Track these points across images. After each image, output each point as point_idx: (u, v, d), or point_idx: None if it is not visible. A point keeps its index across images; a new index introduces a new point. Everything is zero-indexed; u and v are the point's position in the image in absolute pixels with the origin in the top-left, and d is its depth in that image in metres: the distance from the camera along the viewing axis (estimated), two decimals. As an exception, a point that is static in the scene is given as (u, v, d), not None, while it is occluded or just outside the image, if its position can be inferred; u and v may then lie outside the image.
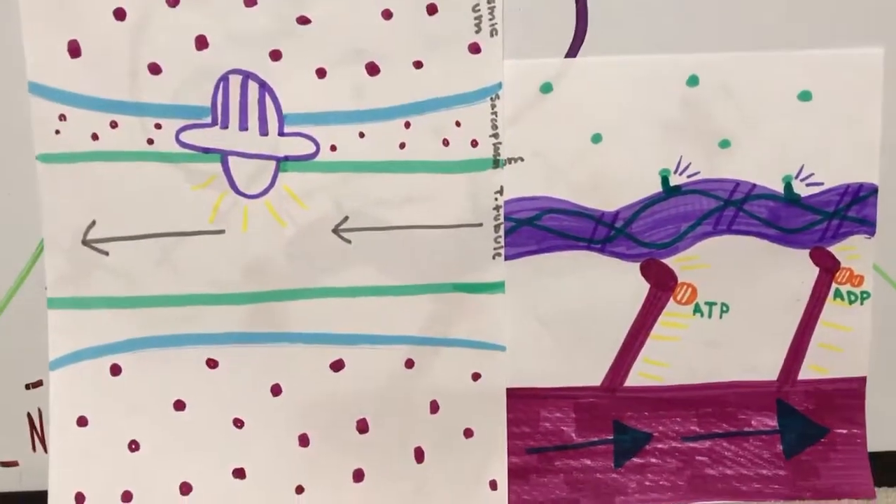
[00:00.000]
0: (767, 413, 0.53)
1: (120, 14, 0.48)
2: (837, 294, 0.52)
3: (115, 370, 0.51)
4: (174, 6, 0.48)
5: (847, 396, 0.53)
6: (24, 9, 0.48)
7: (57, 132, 0.49)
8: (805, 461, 0.54)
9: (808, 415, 0.53)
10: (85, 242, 0.50)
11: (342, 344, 0.51)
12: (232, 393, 0.52)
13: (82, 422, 0.51)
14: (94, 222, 0.50)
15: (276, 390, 0.52)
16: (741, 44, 0.49)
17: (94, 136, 0.49)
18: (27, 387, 0.52)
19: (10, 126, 0.49)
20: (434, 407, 0.52)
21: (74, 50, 0.48)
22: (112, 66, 0.48)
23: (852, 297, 0.52)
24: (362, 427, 0.52)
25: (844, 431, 0.54)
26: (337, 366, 0.52)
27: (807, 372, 0.53)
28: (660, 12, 0.49)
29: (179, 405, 0.52)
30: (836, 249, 0.52)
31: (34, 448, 0.53)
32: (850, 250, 0.52)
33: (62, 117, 0.49)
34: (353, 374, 0.52)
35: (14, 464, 0.53)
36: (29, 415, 0.52)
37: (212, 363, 0.51)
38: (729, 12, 0.49)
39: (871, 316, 0.52)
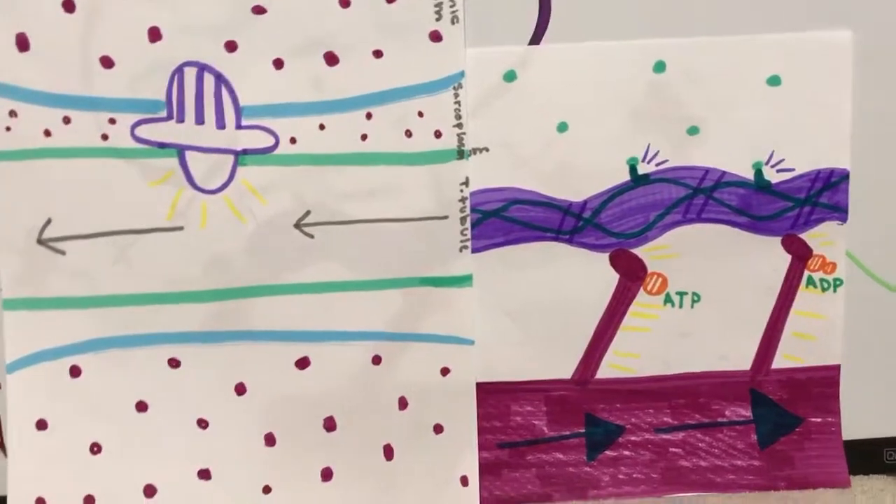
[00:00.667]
0: (741, 403, 0.53)
1: (69, 5, 0.46)
2: (810, 282, 0.51)
3: (75, 371, 0.50)
4: (125, -3, 0.46)
5: (821, 385, 0.53)
6: (-31, 2, 0.46)
7: (8, 129, 0.47)
8: (780, 451, 0.53)
9: (782, 404, 0.53)
10: (40, 241, 0.49)
11: (307, 341, 0.50)
12: (195, 393, 0.51)
13: (42, 425, 0.50)
14: (49, 220, 0.49)
15: (240, 389, 0.51)
16: (708, 28, 0.48)
17: (47, 133, 0.48)
18: (-16, 390, 0.51)
19: (-41, 123, 0.47)
20: (403, 403, 0.51)
21: (23, 43, 0.47)
22: (63, 60, 0.47)
23: (825, 285, 0.51)
24: (329, 425, 0.51)
25: (819, 420, 0.53)
26: (302, 363, 0.51)
27: (780, 361, 0.52)
28: (625, -3, 0.48)
29: (142, 406, 0.50)
30: (808, 236, 0.51)
31: (-6, 452, 0.51)
32: (822, 237, 0.51)
33: (13, 113, 0.47)
34: (318, 371, 0.51)
35: (-26, 469, 0.52)
36: (-12, 419, 0.51)
37: (174, 363, 0.50)
38: (696, -4, 0.48)
39: (844, 303, 0.52)
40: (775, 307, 0.52)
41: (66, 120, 0.47)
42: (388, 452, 0.51)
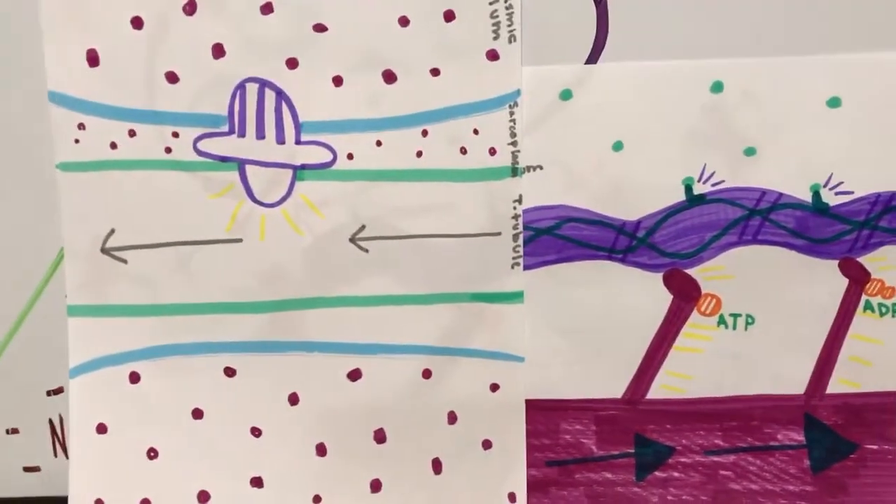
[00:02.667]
0: (794, 427, 0.52)
1: (137, 23, 0.48)
2: (868, 306, 0.50)
3: (134, 378, 0.51)
4: (191, 15, 0.48)
5: (878, 411, 0.52)
6: (44, 19, 0.48)
7: (76, 141, 0.49)
8: (833, 477, 0.52)
9: (836, 429, 0.52)
10: (104, 250, 0.50)
11: (359, 353, 0.51)
12: (249, 401, 0.52)
13: (101, 429, 0.51)
14: (112, 230, 0.50)
15: (293, 399, 0.51)
16: (767, 48, 0.48)
17: (113, 145, 0.49)
18: (48, 393, 0.52)
19: (30, 135, 0.49)
20: (452, 418, 0.52)
21: (93, 59, 0.48)
22: (130, 75, 0.48)
23: (883, 310, 0.50)
24: (380, 437, 0.52)
25: (875, 447, 0.52)
26: (354, 375, 0.51)
27: (836, 385, 0.51)
28: (682, 17, 0.47)
29: (197, 413, 0.52)
30: (866, 260, 0.50)
31: (55, 454, 0.53)
32: (881, 261, 0.50)
33: (81, 126, 0.49)
34: (370, 383, 0.51)
35: (36, 469, 0.53)
36: (50, 421, 0.53)
37: (230, 371, 0.51)
38: (754, 16, 0.48)
39: (903, 329, 0.51)
40: (831, 331, 0.51)
41: (132, 133, 0.49)
42: (437, 466, 0.52)
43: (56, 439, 0.53)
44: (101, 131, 0.49)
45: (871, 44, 0.48)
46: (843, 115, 0.48)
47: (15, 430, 0.53)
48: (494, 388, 0.51)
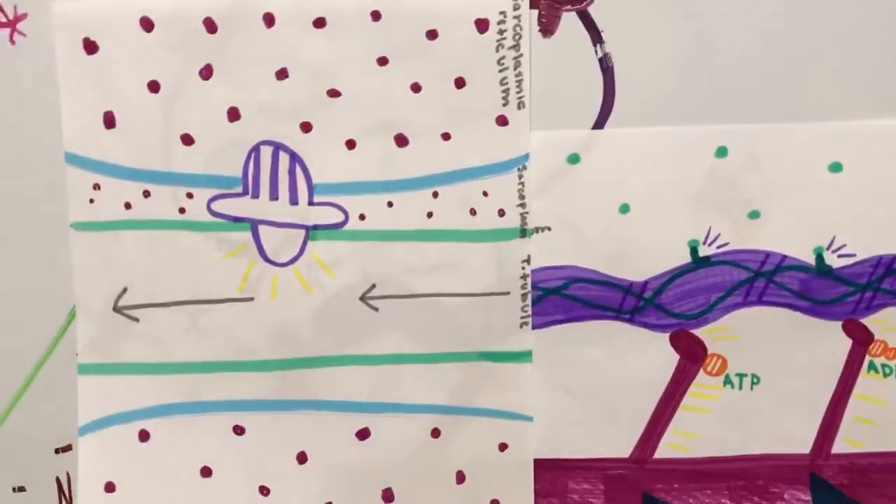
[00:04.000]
0: (800, 487, 0.52)
1: (154, 86, 0.49)
2: (871, 367, 0.51)
3: (144, 436, 0.51)
4: (207, 79, 0.49)
5: (884, 471, 0.52)
6: (62, 81, 0.49)
7: (91, 201, 0.50)
8: (840, 537, 0.52)
9: (842, 490, 0.52)
10: (116, 309, 0.51)
11: (368, 412, 0.51)
12: (258, 460, 0.52)
13: (110, 487, 0.51)
14: (125, 289, 0.50)
15: (301, 458, 0.52)
16: (770, 115, 0.49)
17: (128, 205, 0.50)
18: (56, 451, 0.52)
19: (46, 194, 0.50)
20: (460, 477, 0.52)
21: (110, 121, 0.49)
22: (146, 137, 0.49)
23: (887, 370, 0.51)
24: (388, 497, 0.52)
25: (881, 507, 0.52)
26: (363, 434, 0.51)
27: (841, 445, 0.52)
28: (687, 83, 0.49)
29: (206, 471, 0.52)
30: (869, 321, 0.51)
31: (62, 512, 0.53)
32: (883, 322, 0.51)
33: (96, 186, 0.50)
34: (378, 442, 0.51)
35: (42, 527, 0.53)
36: (58, 479, 0.53)
37: (239, 430, 0.51)
38: (757, 83, 0.49)
39: (907, 390, 0.51)
40: (836, 391, 0.51)
41: (146, 193, 0.50)
42: (445, 525, 0.52)
43: (63, 498, 0.53)
44: (115, 191, 0.50)
45: (871, 111, 0.49)
46: (845, 179, 0.49)
47: (22, 489, 0.53)
48: (503, 447, 0.51)
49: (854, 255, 0.50)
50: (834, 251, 0.50)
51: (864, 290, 0.50)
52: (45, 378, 0.51)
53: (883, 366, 0.51)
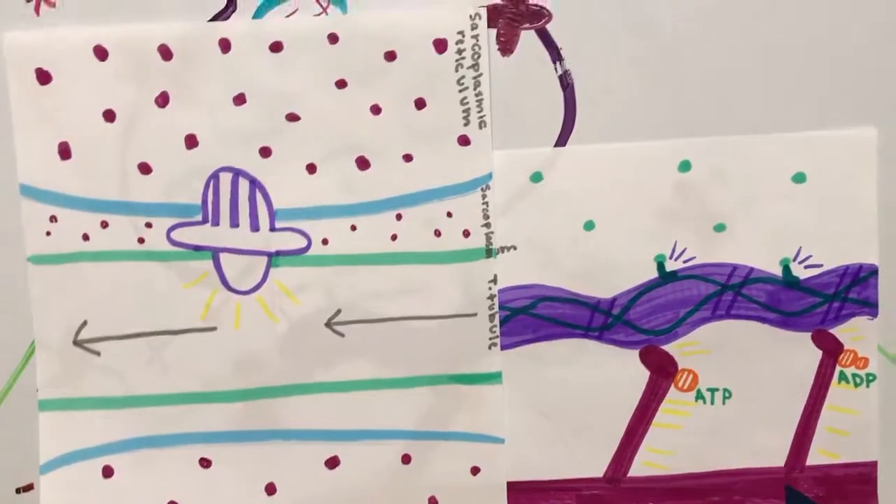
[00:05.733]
0: (776, 500, 0.52)
1: (109, 116, 0.48)
2: (842, 377, 0.51)
3: (108, 472, 0.50)
4: (163, 106, 0.48)
5: (858, 482, 0.52)
6: (15, 113, 0.48)
7: (48, 233, 0.49)
8: (818, 550, 0.52)
9: (818, 501, 0.52)
10: (76, 343, 0.49)
11: (337, 440, 0.50)
12: (226, 493, 0.51)
13: (74, 526, 0.50)
14: (85, 322, 0.49)
15: (270, 489, 0.51)
16: (733, 127, 0.49)
17: (85, 237, 0.49)
18: (18, 490, 0.51)
19: (1, 228, 0.49)
20: (433, 503, 0.51)
21: (65, 152, 0.48)
22: (102, 167, 0.48)
23: (857, 380, 0.51)
24: (360, 525, 0.51)
25: (857, 519, 0.52)
26: (332, 463, 0.51)
27: (815, 457, 0.52)
28: (649, 98, 0.49)
29: (173, 506, 0.51)
30: (838, 332, 0.51)
31: (25, 553, 0.51)
32: (852, 332, 0.51)
33: (53, 218, 0.49)
34: (349, 470, 0.51)
35: (5, 570, 0.52)
36: (20, 519, 0.51)
37: (205, 462, 0.50)
38: (719, 96, 0.49)
39: (878, 399, 0.51)
40: (807, 403, 0.51)
41: (104, 224, 0.49)
42: (419, 553, 0.51)
43: (26, 538, 0.51)
44: (73, 223, 0.49)
45: (832, 121, 0.49)
46: (809, 190, 0.49)
47: (-17, 530, 0.51)
48: (475, 471, 0.51)
49: (821, 266, 0.50)
50: (800, 262, 0.50)
51: (832, 301, 0.50)
52: (4, 416, 0.50)
53: (854, 375, 0.51)
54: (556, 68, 0.48)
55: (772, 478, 0.52)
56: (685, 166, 0.49)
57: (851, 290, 0.50)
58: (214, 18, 0.48)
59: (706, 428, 0.51)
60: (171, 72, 0.48)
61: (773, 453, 0.52)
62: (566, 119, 0.49)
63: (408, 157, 0.49)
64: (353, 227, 0.49)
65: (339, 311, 0.50)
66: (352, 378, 0.50)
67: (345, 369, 0.50)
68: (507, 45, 0.48)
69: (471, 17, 0.47)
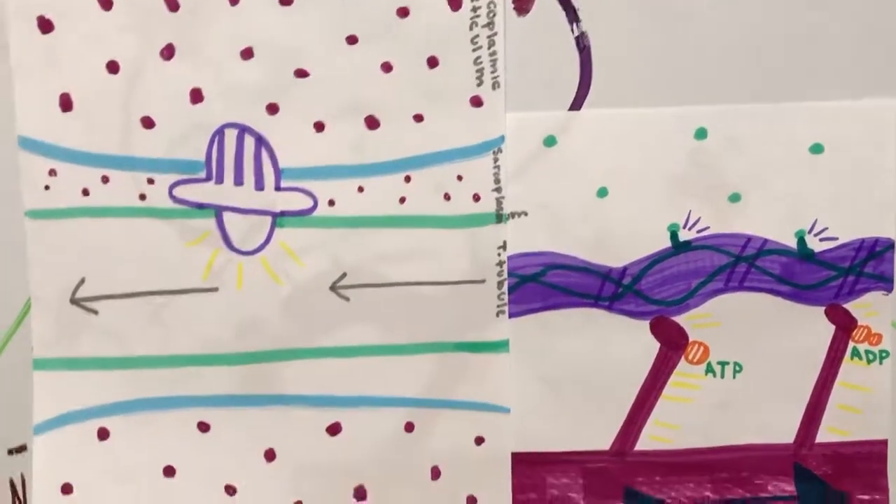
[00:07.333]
0: (784, 478, 0.51)
1: (113, 67, 0.47)
2: (855, 353, 0.50)
3: (103, 434, 0.49)
4: (168, 59, 0.47)
5: (868, 460, 0.51)
6: (15, 62, 0.47)
7: (47, 188, 0.47)
8: (825, 529, 0.51)
9: (827, 479, 0.51)
10: (73, 301, 0.48)
11: (339, 406, 0.49)
12: (224, 458, 0.49)
13: (67, 489, 0.49)
14: (83, 280, 0.48)
15: (269, 455, 0.49)
16: (750, 96, 0.48)
17: (85, 192, 0.47)
18: (10, 452, 0.50)
19: (-2, 181, 0.48)
20: (435, 473, 0.50)
21: (66, 103, 0.47)
22: (104, 120, 0.47)
23: (870, 357, 0.50)
24: (360, 494, 0.50)
25: (866, 497, 0.51)
26: (334, 429, 0.49)
27: (825, 434, 0.51)
28: (666, 64, 0.48)
29: (169, 471, 0.49)
30: (852, 307, 0.50)
31: (16, 516, 0.50)
32: (866, 307, 0.50)
33: (52, 172, 0.47)
34: (350, 438, 0.49)
35: (-5, 533, 0.50)
36: (11, 481, 0.50)
37: (203, 426, 0.49)
38: (738, 64, 0.48)
39: (891, 376, 0.50)
40: (819, 379, 0.50)
41: (105, 179, 0.47)
42: (420, 523, 0.50)
43: (17, 501, 0.50)
44: (72, 178, 0.47)
45: (851, 91, 0.48)
46: (826, 161, 0.48)
47: (-27, 492, 0.50)
48: (479, 441, 0.50)
49: (836, 239, 0.49)
50: (816, 234, 0.49)
51: (847, 275, 0.49)
52: (-3, 375, 0.49)
53: (867, 352, 0.50)
54: (572, 30, 0.47)
55: (780, 454, 0.51)
56: (701, 134, 0.48)
57: (867, 264, 0.49)
58: (223, -31, 0.46)
59: (715, 402, 0.50)
60: (178, 24, 0.46)
61: (782, 430, 0.51)
62: (581, 82, 0.48)
63: (418, 118, 0.47)
64: (361, 189, 0.48)
65: (344, 275, 0.49)
66: (356, 343, 0.49)
67: (349, 334, 0.49)
68: (522, 5, 0.47)
69: (487, -26, 0.46)
